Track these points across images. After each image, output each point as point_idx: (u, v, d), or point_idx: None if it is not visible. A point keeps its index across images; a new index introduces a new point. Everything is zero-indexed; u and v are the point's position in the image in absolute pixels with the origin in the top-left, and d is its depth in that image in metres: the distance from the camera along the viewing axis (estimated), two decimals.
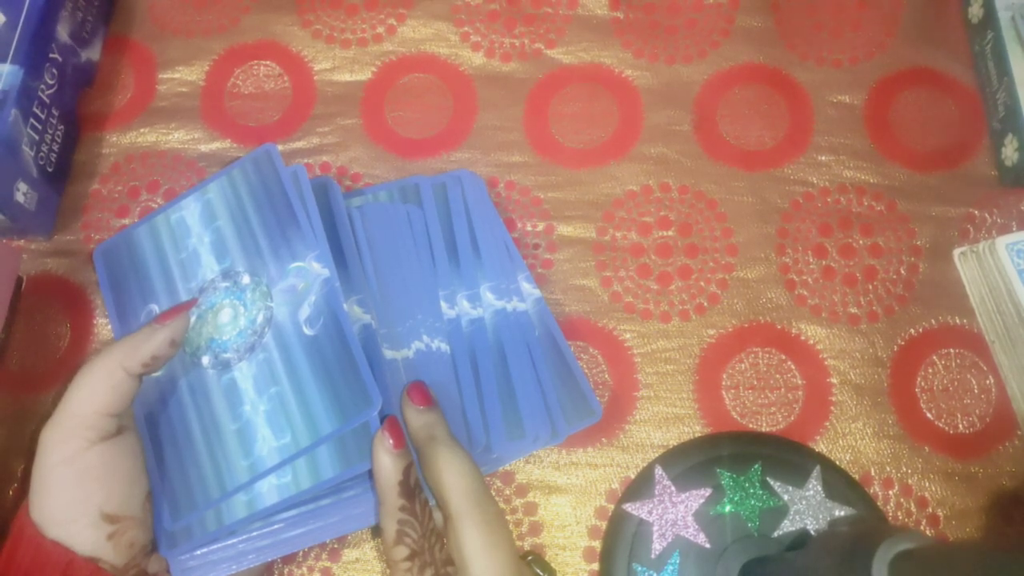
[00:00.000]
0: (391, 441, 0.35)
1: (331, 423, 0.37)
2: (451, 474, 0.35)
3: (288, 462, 0.37)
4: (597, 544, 0.42)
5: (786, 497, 0.41)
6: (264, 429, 0.38)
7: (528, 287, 0.45)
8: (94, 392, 0.35)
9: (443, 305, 0.43)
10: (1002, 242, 0.43)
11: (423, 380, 0.40)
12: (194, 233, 0.43)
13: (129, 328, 0.42)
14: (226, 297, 0.41)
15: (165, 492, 0.38)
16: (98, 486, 0.34)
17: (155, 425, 0.39)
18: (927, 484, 0.42)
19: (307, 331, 0.39)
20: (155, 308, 0.42)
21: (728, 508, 0.41)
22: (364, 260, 0.43)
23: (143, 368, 0.36)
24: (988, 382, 0.44)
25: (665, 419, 0.44)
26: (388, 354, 0.41)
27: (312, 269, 0.40)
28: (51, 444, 0.34)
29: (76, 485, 0.34)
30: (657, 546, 0.40)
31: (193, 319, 0.40)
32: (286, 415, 0.38)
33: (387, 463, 0.35)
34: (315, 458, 0.37)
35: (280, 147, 0.49)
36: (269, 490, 0.37)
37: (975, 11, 0.50)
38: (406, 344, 0.42)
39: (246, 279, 0.41)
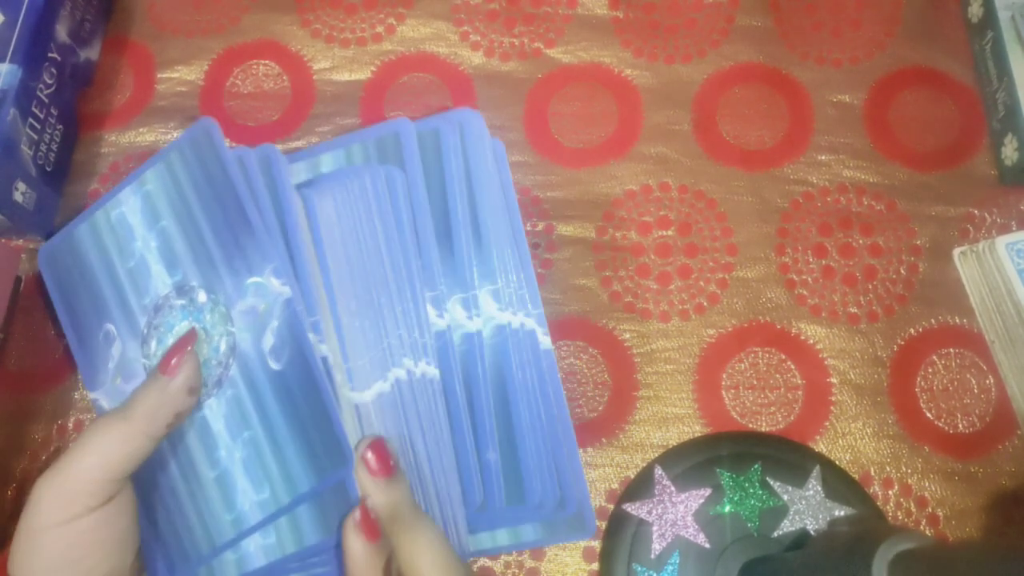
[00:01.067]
0: (367, 533, 0.31)
1: (308, 479, 0.33)
2: (424, 563, 0.31)
3: (270, 521, 0.34)
4: (597, 544, 0.42)
5: (786, 497, 0.41)
6: (243, 480, 0.34)
7: (530, 303, 0.37)
8: (107, 458, 0.31)
9: (431, 312, 0.35)
10: (1002, 242, 0.43)
11: (398, 426, 0.34)
12: (138, 235, 0.37)
13: (90, 352, 0.38)
14: (184, 318, 0.35)
15: (159, 545, 0.35)
16: (88, 553, 0.31)
17: (140, 476, 0.35)
18: (927, 484, 0.42)
19: (273, 365, 0.33)
20: (111, 329, 0.37)
21: (728, 508, 0.40)
22: (324, 265, 0.35)
23: (168, 429, 0.32)
24: (988, 382, 0.44)
25: (665, 419, 0.44)
26: (355, 396, 0.34)
27: (271, 286, 0.34)
28: (47, 504, 0.31)
29: (66, 551, 0.31)
30: (657, 546, 0.40)
31: (153, 345, 0.36)
32: (262, 466, 0.34)
33: (361, 558, 0.31)
34: (297, 521, 0.33)
35: (279, 147, 0.49)
36: (256, 550, 0.34)
37: (975, 10, 0.50)
38: (380, 375, 0.34)
39: (202, 297, 0.35)
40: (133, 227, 0.37)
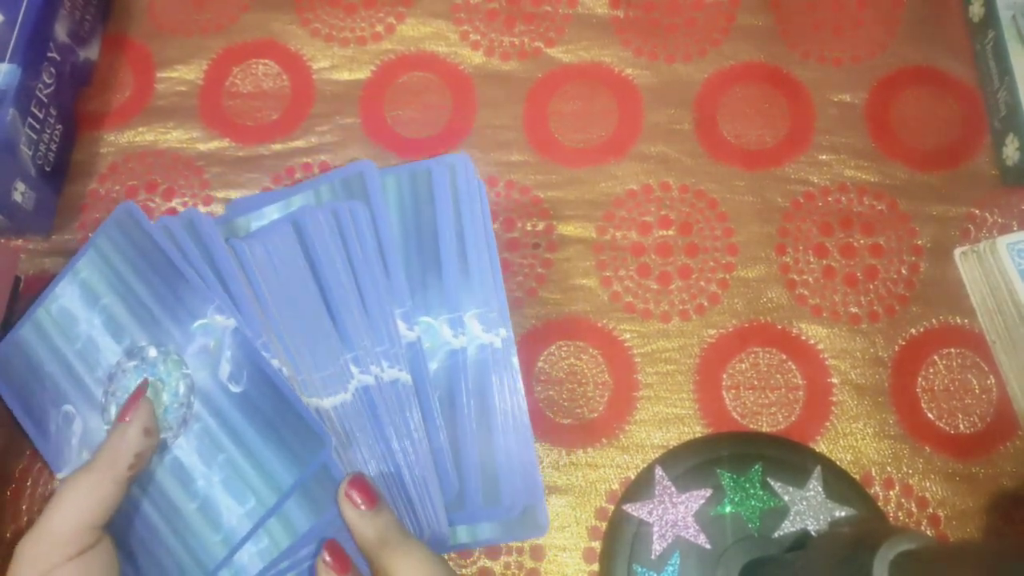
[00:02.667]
0: (336, 568, 0.33)
1: (290, 474, 0.35)
2: None
3: (260, 525, 0.35)
4: (597, 545, 0.42)
5: (787, 498, 0.40)
6: (226, 499, 0.36)
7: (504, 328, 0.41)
8: (79, 508, 0.33)
9: (401, 326, 0.39)
10: (1003, 242, 0.42)
11: (363, 429, 0.36)
12: (81, 319, 0.40)
13: (50, 438, 0.40)
14: (138, 377, 0.38)
15: None
16: None
17: (117, 529, 0.37)
18: (928, 484, 0.42)
19: (234, 389, 0.36)
20: (70, 409, 0.39)
21: (728, 509, 0.40)
22: (260, 296, 0.39)
23: (130, 471, 0.34)
24: (989, 382, 0.44)
25: (665, 419, 0.44)
26: (312, 402, 0.37)
27: (217, 323, 0.37)
28: (29, 558, 0.32)
29: None
30: (657, 547, 0.40)
31: (113, 410, 0.38)
32: (243, 479, 0.36)
33: None
34: (286, 515, 0.35)
35: (279, 146, 0.49)
36: (251, 559, 0.35)
37: (976, 10, 0.50)
38: (340, 387, 0.38)
39: (153, 352, 0.38)
40: (74, 313, 0.40)
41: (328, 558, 0.34)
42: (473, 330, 0.40)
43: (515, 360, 0.41)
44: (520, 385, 0.41)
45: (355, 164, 0.43)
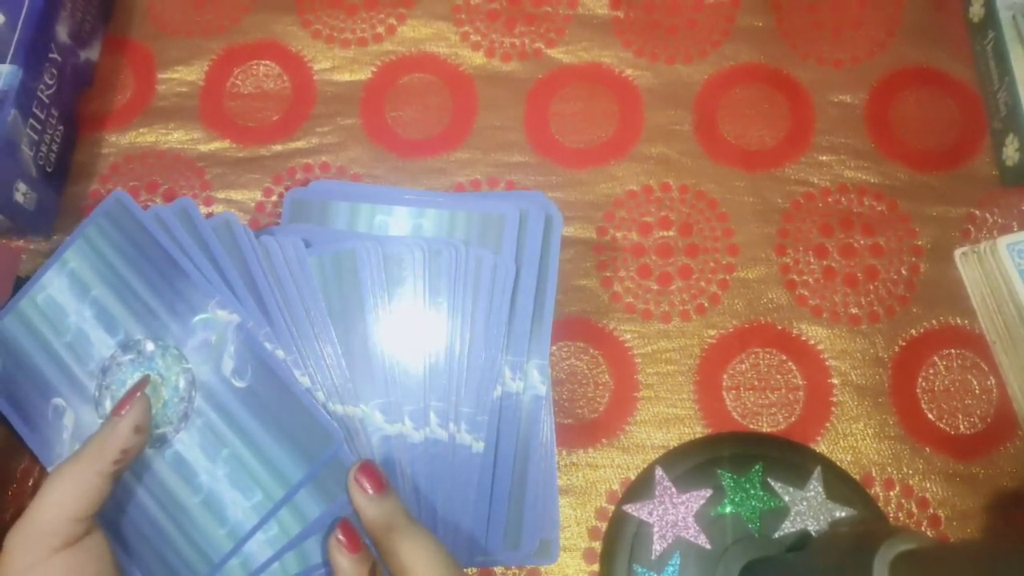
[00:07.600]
0: (348, 546, 0.34)
1: (299, 469, 0.35)
2: (421, 565, 0.32)
3: (268, 519, 0.35)
4: (597, 545, 0.42)
5: (787, 498, 0.40)
6: (231, 493, 0.36)
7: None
8: (63, 500, 0.33)
9: (506, 373, 0.39)
10: (1003, 242, 0.43)
11: (414, 473, 0.37)
12: (70, 310, 0.39)
13: (41, 431, 0.40)
14: (134, 370, 0.38)
15: None
16: None
17: (116, 524, 0.37)
18: (928, 485, 0.42)
19: (238, 384, 0.36)
20: (60, 403, 0.39)
21: (729, 509, 0.40)
22: (312, 308, 0.39)
23: (115, 466, 0.34)
24: (989, 383, 0.44)
25: (665, 420, 0.44)
26: (384, 426, 0.37)
27: (219, 318, 0.37)
28: (15, 550, 0.32)
29: None
30: (657, 547, 0.40)
31: (108, 404, 0.38)
32: (249, 473, 0.36)
33: (346, 568, 0.33)
34: (296, 502, 0.35)
35: (279, 147, 0.49)
36: (260, 547, 0.35)
37: (976, 10, 0.50)
38: (418, 425, 0.38)
39: (150, 346, 0.38)
40: (63, 305, 0.40)
41: (341, 536, 0.34)
42: (532, 379, 0.40)
43: (551, 403, 0.41)
44: (553, 433, 0.41)
45: (498, 207, 0.42)
